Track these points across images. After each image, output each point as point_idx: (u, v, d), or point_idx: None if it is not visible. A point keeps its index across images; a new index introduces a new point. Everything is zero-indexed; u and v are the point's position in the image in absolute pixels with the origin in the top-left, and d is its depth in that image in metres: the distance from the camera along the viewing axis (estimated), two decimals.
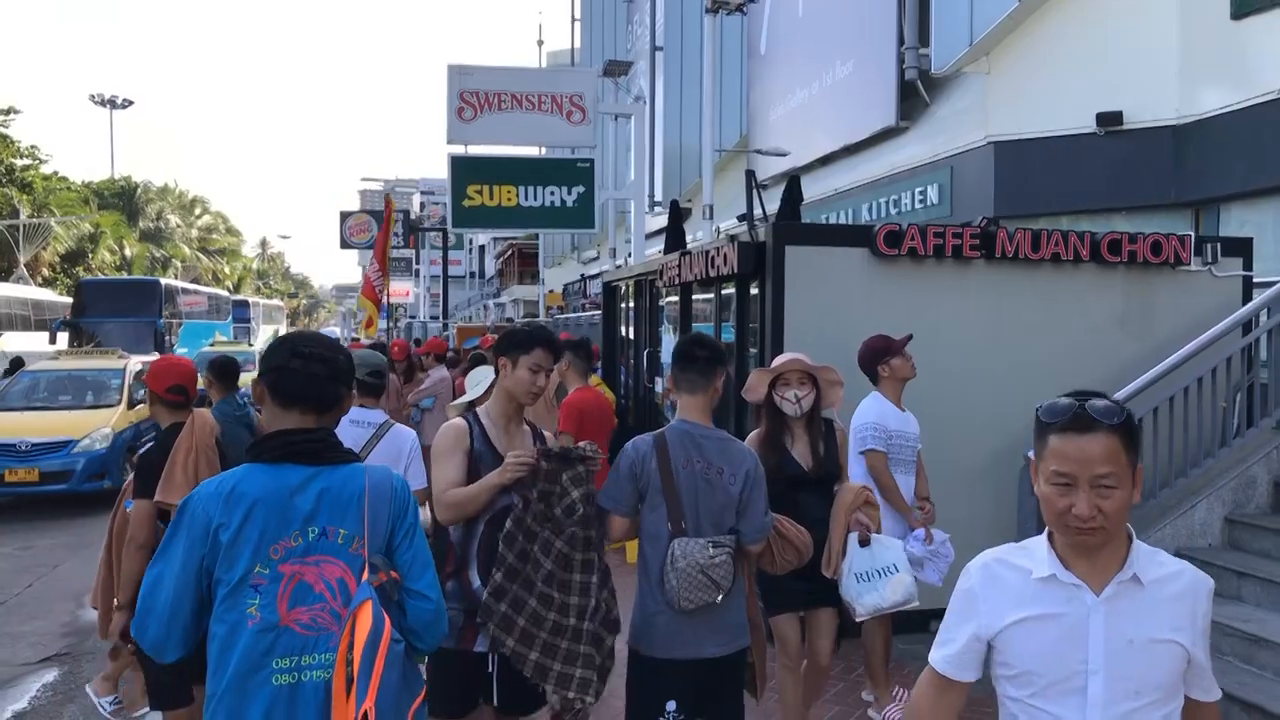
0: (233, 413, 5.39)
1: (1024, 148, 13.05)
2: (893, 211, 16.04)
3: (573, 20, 38.12)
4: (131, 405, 12.25)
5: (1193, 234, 6.35)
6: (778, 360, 4.16)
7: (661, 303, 8.68)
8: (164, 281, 31.59)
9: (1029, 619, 1.86)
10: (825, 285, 5.64)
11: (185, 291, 34.63)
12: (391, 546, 2.19)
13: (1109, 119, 12.34)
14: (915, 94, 15.20)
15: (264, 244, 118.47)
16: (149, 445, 4.01)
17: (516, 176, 15.89)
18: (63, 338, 24.60)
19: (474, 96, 15.46)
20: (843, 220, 17.83)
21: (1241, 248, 6.33)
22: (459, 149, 16.46)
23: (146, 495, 3.73)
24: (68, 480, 10.91)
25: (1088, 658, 1.83)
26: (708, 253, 6.46)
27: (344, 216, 35.83)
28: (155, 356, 16.28)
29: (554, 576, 3.04)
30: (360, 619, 1.98)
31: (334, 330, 56.01)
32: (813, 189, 18.58)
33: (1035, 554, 1.91)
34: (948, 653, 1.96)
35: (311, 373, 2.24)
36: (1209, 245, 6.18)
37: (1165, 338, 5.87)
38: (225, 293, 47.28)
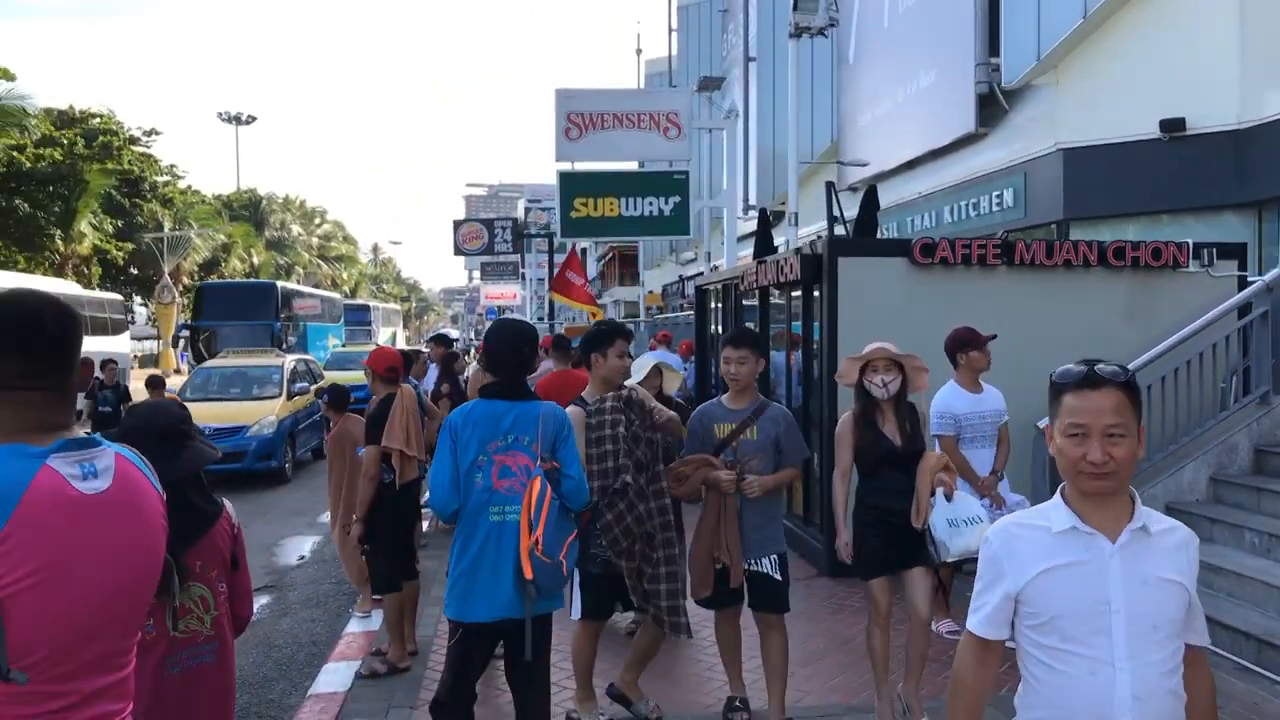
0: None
1: (1091, 154, 13.85)
2: (971, 214, 16.93)
3: (670, 31, 39.51)
4: (290, 397, 14.19)
5: (1190, 241, 7.33)
6: (867, 348, 4.48)
7: (745, 303, 10.01)
8: (280, 285, 32.09)
9: (1055, 568, 2.03)
10: (871, 289, 6.85)
11: (300, 295, 35.39)
12: (555, 448, 3.61)
13: (1172, 125, 13.08)
14: (994, 102, 16.10)
15: (376, 250, 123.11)
16: (376, 408, 5.56)
17: (618, 189, 17.41)
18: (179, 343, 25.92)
19: (579, 117, 17.00)
20: (926, 222, 18.76)
21: (1236, 251, 7.33)
22: (566, 165, 18.06)
23: (375, 442, 5.34)
24: (242, 460, 12.83)
25: (1109, 598, 2.00)
26: (778, 262, 7.77)
27: (457, 225, 38.03)
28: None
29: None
30: (534, 486, 3.43)
31: (452, 331, 58.48)
32: (899, 192, 19.56)
33: (1051, 514, 2.09)
34: (982, 616, 2.12)
35: (496, 350, 3.71)
36: (1205, 250, 7.18)
37: (1166, 330, 6.87)
38: (338, 296, 48.37)
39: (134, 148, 41.46)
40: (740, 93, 26.26)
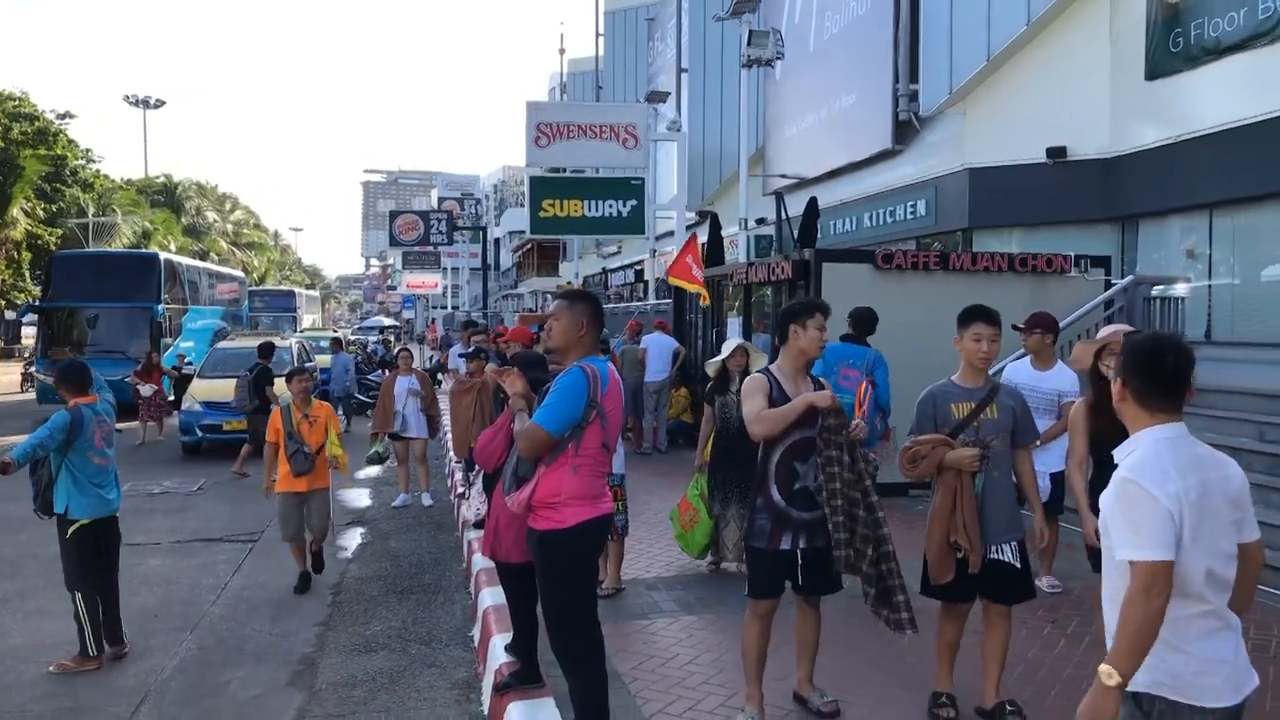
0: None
1: (991, 173, 16.57)
2: (888, 220, 19.58)
3: (596, 35, 41.51)
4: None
5: (1072, 254, 9.91)
6: (1103, 332, 4.40)
7: (725, 300, 12.25)
8: (165, 256, 24.91)
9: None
10: (845, 287, 9.03)
11: (199, 272, 28.67)
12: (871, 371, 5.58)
13: (1056, 152, 15.87)
14: (909, 124, 18.74)
15: (277, 236, 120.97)
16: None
17: (583, 192, 19.53)
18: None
19: (548, 127, 19.00)
20: (848, 226, 21.34)
21: (1103, 262, 9.99)
22: (535, 170, 20.02)
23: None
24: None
25: None
26: (770, 265, 10.05)
27: (393, 216, 39.37)
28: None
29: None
30: (860, 388, 5.59)
31: (383, 320, 59.03)
32: (823, 199, 21.97)
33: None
34: None
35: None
36: (1083, 259, 9.77)
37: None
38: (241, 275, 43.04)
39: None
40: (673, 103, 28.45)
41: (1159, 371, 2.51)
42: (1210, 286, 14.14)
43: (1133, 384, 2.53)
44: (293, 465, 7.18)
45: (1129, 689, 2.39)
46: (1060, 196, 15.77)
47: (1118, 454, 2.56)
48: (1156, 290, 10.11)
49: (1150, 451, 2.45)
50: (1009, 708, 4.27)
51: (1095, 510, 3.51)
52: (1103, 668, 2.33)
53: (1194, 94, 13.89)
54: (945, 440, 4.09)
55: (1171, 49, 14.29)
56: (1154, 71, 14.63)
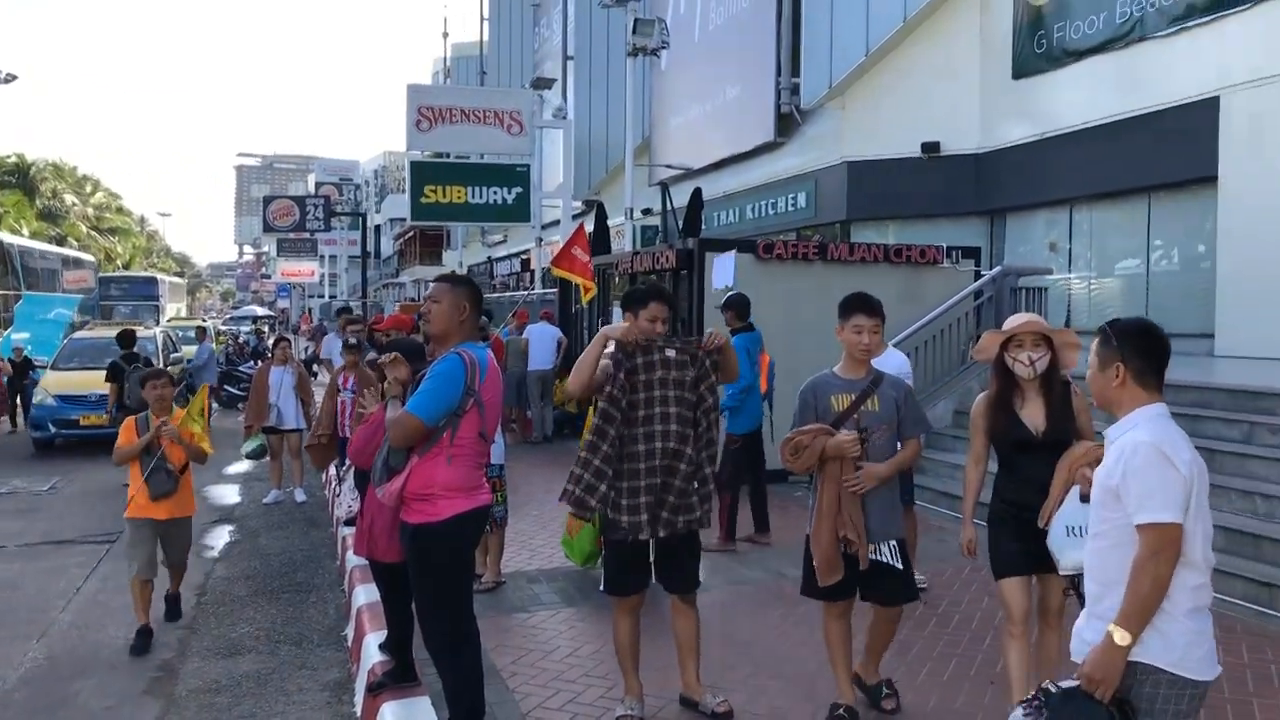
0: None
1: (869, 167, 17.01)
2: (770, 212, 19.89)
3: (481, 19, 40.86)
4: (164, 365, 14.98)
5: (944, 245, 10.26)
6: (1013, 322, 3.97)
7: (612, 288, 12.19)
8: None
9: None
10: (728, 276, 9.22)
11: (35, 255, 27.12)
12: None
13: (930, 147, 16.40)
14: (791, 117, 19.06)
15: (143, 222, 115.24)
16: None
17: (466, 178, 19.14)
18: None
19: (429, 111, 18.56)
20: (731, 217, 21.60)
21: (974, 253, 10.38)
22: (416, 154, 19.54)
23: None
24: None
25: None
26: (654, 254, 10.02)
27: (267, 201, 37.85)
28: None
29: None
30: None
31: (256, 309, 56.68)
32: (707, 190, 22.22)
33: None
34: None
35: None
36: (954, 250, 10.13)
37: (929, 308, 9.65)
38: (89, 258, 41.07)
39: None
40: (559, 90, 28.24)
41: (1155, 349, 2.64)
42: (1070, 278, 14.86)
43: (1133, 364, 2.62)
44: (151, 487, 5.86)
45: None
46: (934, 190, 16.31)
47: (1112, 432, 2.66)
48: (1023, 281, 10.56)
49: (1159, 424, 2.56)
50: (885, 690, 4.32)
51: (1045, 519, 3.61)
52: (1112, 627, 2.45)
53: (1057, 94, 14.54)
54: (826, 429, 3.97)
55: (1036, 50, 14.92)
56: (1020, 71, 15.27)
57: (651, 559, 4.16)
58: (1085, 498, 3.50)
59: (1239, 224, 11.51)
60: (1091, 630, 2.59)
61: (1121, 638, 2.43)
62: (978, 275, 10.22)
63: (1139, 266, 13.64)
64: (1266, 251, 11.00)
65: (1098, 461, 3.46)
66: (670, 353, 4.09)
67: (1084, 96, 13.89)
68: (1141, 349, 2.63)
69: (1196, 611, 2.50)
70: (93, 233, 63.38)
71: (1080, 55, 13.96)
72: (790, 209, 19.14)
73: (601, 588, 4.29)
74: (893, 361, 5.45)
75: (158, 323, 29.71)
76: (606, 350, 4.08)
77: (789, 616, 5.55)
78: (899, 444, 4.15)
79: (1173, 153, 12.40)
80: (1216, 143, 11.71)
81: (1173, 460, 2.45)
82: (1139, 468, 2.47)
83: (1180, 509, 2.43)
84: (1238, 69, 11.45)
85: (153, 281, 48.16)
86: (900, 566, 4.06)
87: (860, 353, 4.08)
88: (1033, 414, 3.85)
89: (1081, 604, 3.63)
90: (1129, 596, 2.44)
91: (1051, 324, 4.07)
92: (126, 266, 66.58)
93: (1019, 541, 3.81)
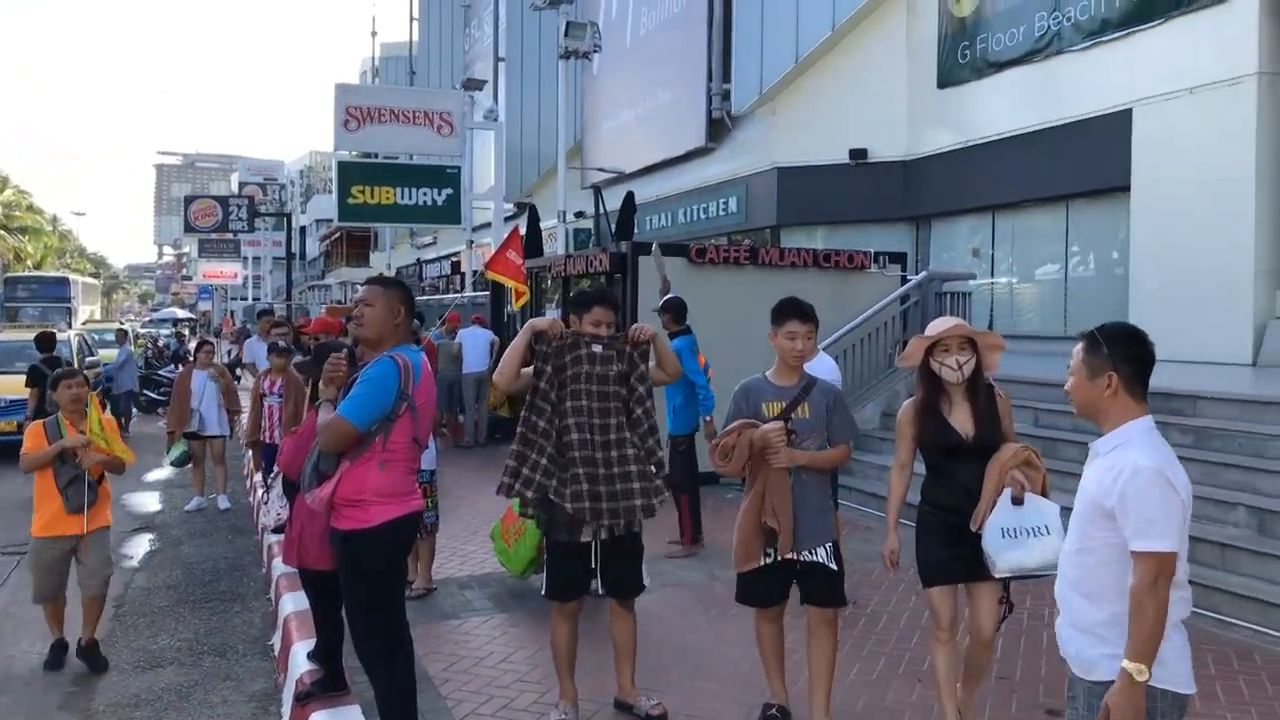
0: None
1: (799, 173, 17.25)
2: (702, 217, 20.04)
3: (411, 19, 40.36)
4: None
5: (872, 250, 10.47)
6: (937, 326, 3.93)
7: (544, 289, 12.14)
8: None
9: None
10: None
11: None
12: None
13: (858, 154, 16.69)
14: (722, 123, 19.23)
15: (55, 221, 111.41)
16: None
17: (394, 179, 18.88)
18: None
19: (357, 110, 18.27)
20: (663, 221, 21.70)
21: (900, 258, 10.61)
22: (344, 153, 19.21)
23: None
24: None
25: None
26: (588, 257, 10.01)
27: (189, 200, 36.84)
28: None
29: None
30: None
31: (177, 312, 54.98)
32: (640, 194, 22.33)
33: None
34: None
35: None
36: (881, 256, 10.34)
37: (856, 313, 9.82)
38: None
39: None
40: (490, 92, 28.04)
41: (1145, 356, 2.58)
42: (993, 283, 15.26)
43: (1125, 372, 2.54)
44: (67, 500, 5.36)
45: (1105, 678, 2.45)
46: (862, 196, 16.61)
47: (1101, 445, 2.58)
48: (948, 286, 10.81)
49: (1152, 442, 2.51)
50: None
51: (979, 523, 3.59)
52: (1128, 664, 2.36)
53: (980, 103, 14.92)
54: (750, 422, 3.94)
55: (960, 60, 15.30)
56: (945, 80, 15.64)
57: (595, 565, 4.13)
58: (1017, 500, 3.60)
59: (1150, 232, 11.96)
60: (1077, 645, 2.58)
61: (1139, 672, 2.36)
62: (904, 280, 10.44)
63: (1058, 272, 14.08)
64: (1175, 258, 11.44)
65: (1026, 464, 3.69)
66: (596, 348, 4.10)
67: (1006, 107, 14.29)
68: (1132, 356, 2.56)
69: (1179, 626, 2.50)
70: (1, 232, 61.01)
71: (1001, 66, 14.36)
72: (721, 213, 19.30)
73: (544, 592, 4.26)
74: (822, 366, 5.45)
75: (70, 325, 28.74)
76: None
77: (722, 618, 5.58)
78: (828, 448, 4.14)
79: (1089, 163, 12.83)
80: (1130, 154, 12.15)
81: (1174, 485, 2.41)
82: (1141, 492, 2.40)
83: (1179, 537, 2.39)
84: (1148, 83, 11.89)
85: (64, 282, 46.26)
86: (835, 568, 4.01)
87: (793, 358, 4.06)
88: (961, 418, 3.82)
89: (1010, 611, 3.85)
90: (1136, 630, 2.38)
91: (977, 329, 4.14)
92: (38, 267, 64.06)
93: (949, 548, 3.79)
